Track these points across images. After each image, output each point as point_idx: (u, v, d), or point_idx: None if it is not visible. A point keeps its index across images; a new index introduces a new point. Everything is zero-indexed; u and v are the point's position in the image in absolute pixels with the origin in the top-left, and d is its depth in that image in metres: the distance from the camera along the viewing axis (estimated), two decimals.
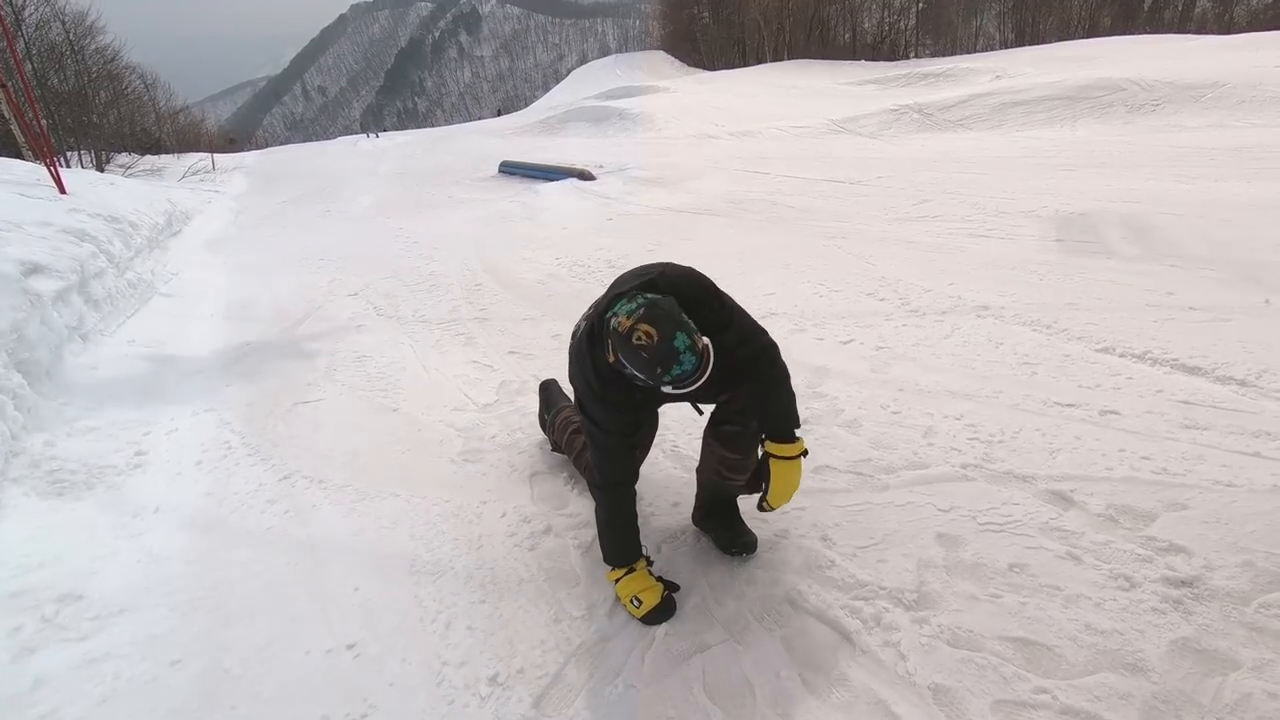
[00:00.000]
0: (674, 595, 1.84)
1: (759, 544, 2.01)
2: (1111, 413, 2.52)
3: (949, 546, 1.94)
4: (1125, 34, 26.80)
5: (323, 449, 2.89)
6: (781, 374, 1.79)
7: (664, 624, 1.77)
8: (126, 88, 24.26)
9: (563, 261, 5.53)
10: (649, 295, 1.53)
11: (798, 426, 1.80)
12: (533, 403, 3.16)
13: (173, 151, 23.80)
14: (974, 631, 1.65)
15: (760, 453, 1.83)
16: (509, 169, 11.25)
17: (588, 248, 5.83)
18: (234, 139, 40.82)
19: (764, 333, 1.79)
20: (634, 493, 1.81)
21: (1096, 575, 1.76)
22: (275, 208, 10.61)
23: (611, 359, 1.58)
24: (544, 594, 1.91)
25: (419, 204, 9.31)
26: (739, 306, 1.78)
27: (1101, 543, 1.88)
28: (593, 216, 7.23)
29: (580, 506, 2.31)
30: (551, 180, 9.68)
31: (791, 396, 1.81)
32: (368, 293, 5.21)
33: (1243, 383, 2.61)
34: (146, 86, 27.85)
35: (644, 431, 1.90)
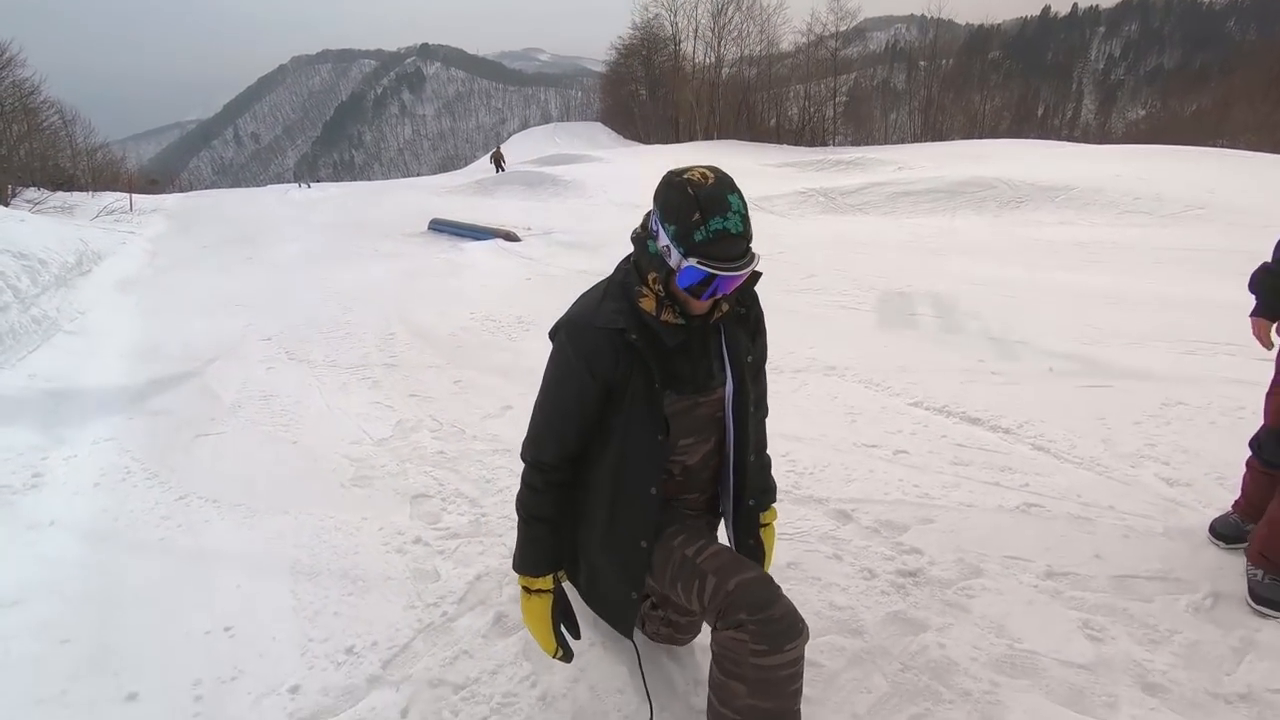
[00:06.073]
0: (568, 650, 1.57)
1: None
2: (903, 452, 3.08)
3: None
4: (1018, 137, 30.22)
5: (220, 474, 3.12)
6: None
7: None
8: (43, 122, 23.48)
9: (476, 316, 5.92)
10: None
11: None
12: (425, 439, 3.49)
13: (87, 189, 22.99)
14: None
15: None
16: (439, 226, 11.61)
17: (502, 304, 6.25)
18: (156, 180, 39.63)
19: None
20: (559, 481, 1.49)
21: (850, 569, 2.24)
22: (195, 252, 10.59)
23: (640, 230, 1.39)
24: (406, 588, 2.24)
25: (345, 255, 9.54)
26: None
27: (862, 547, 2.36)
28: (512, 276, 7.69)
29: (451, 521, 2.65)
30: (479, 240, 10.12)
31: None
32: (282, 338, 5.43)
33: (1007, 430, 3.23)
34: (65, 122, 26.97)
35: (595, 412, 1.44)
